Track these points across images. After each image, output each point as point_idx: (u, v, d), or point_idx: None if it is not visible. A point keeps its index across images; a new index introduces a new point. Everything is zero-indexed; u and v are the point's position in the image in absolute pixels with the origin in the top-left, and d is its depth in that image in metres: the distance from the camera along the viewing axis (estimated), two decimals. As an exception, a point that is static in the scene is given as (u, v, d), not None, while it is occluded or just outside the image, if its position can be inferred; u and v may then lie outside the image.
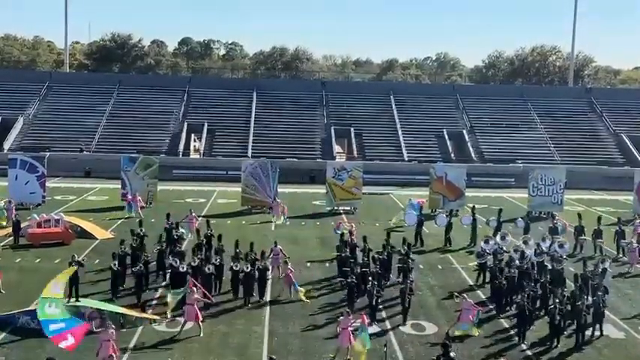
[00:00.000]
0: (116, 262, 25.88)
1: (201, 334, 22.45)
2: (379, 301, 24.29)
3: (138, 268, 25.79)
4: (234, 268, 26.09)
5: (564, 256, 30.20)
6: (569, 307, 23.10)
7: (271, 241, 30.39)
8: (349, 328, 20.88)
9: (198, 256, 27.54)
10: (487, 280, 28.60)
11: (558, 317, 22.29)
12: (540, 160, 63.50)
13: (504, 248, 30.29)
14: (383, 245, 29.78)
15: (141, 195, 43.50)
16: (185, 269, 25.52)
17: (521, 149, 67.14)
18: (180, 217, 34.89)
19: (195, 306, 22.86)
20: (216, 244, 29.89)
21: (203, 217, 39.50)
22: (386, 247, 29.42)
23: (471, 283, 28.99)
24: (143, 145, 63.38)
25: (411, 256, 28.46)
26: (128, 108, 70.94)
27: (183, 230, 33.20)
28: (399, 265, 27.80)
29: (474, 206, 40.49)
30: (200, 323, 22.72)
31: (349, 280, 25.07)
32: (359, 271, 26.03)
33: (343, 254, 29.19)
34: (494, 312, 25.43)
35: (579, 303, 22.49)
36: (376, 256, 28.57)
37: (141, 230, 31.32)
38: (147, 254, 27.74)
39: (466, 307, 23.18)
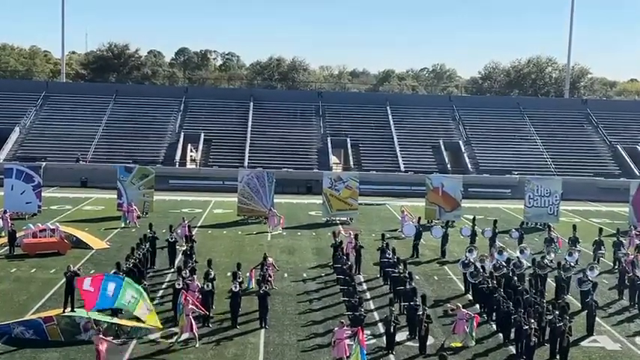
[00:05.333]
0: None
1: (197, 345, 22.40)
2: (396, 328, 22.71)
3: (142, 285, 24.98)
4: (233, 289, 24.69)
5: (572, 264, 30.66)
6: (552, 317, 22.70)
7: (269, 252, 30.22)
8: (345, 339, 20.85)
9: (189, 264, 27.67)
10: (470, 290, 28.85)
11: (534, 339, 21.43)
12: (536, 171, 63.57)
13: (503, 262, 29.88)
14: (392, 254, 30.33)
15: (137, 205, 43.48)
16: (181, 286, 24.79)
17: (517, 160, 67.31)
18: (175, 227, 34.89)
19: (190, 316, 22.81)
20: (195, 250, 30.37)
21: (200, 227, 39.46)
22: (400, 263, 28.92)
23: (470, 298, 28.85)
24: (139, 155, 63.42)
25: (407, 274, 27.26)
26: (125, 118, 70.87)
27: (176, 236, 33.25)
28: (401, 288, 26.46)
29: (474, 217, 40.59)
30: (196, 333, 22.66)
31: (357, 314, 23.26)
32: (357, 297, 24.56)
33: (345, 266, 28.78)
34: (490, 323, 25.39)
35: (561, 324, 21.89)
36: (390, 270, 28.63)
37: (149, 247, 30.95)
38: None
39: (461, 318, 23.18)
